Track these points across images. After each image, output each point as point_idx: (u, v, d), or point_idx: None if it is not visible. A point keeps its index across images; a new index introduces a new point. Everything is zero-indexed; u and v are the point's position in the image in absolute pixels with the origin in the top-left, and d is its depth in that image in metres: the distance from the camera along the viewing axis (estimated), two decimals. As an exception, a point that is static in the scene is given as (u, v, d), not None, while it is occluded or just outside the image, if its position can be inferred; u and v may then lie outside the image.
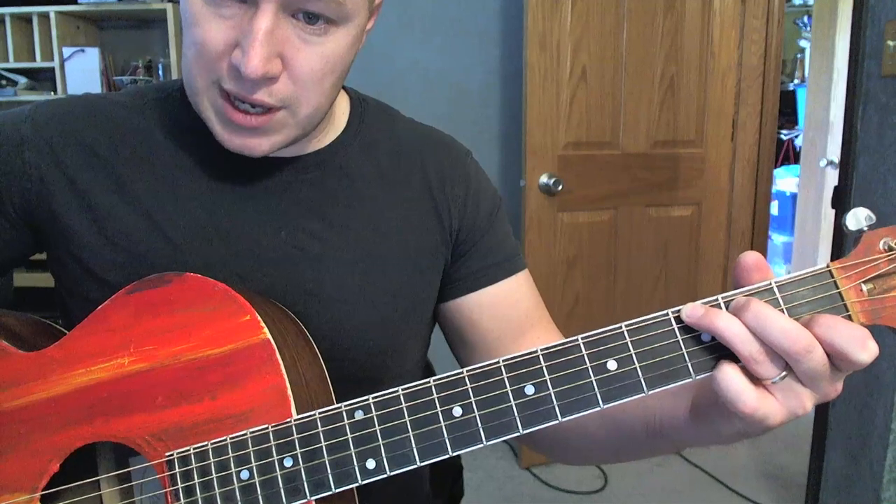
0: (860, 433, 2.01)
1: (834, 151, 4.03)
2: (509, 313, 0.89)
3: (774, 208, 5.10)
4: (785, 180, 5.25)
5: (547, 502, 2.57)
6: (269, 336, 0.66)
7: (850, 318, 0.56)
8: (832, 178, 3.90)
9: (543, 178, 2.55)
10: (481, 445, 0.60)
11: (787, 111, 5.43)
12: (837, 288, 0.56)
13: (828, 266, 0.57)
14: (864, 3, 1.91)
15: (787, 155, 5.61)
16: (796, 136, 5.45)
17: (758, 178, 2.94)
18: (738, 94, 2.84)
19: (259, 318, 0.67)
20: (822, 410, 2.20)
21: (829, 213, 3.85)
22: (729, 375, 0.54)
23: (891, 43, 1.80)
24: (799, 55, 5.40)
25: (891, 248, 0.55)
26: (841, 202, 2.05)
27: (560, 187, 2.54)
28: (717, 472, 2.68)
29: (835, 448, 2.15)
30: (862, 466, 2.00)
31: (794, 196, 5.01)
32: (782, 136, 5.52)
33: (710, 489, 2.61)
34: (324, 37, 0.68)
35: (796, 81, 5.41)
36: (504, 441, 2.89)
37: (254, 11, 0.65)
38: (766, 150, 2.94)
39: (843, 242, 2.08)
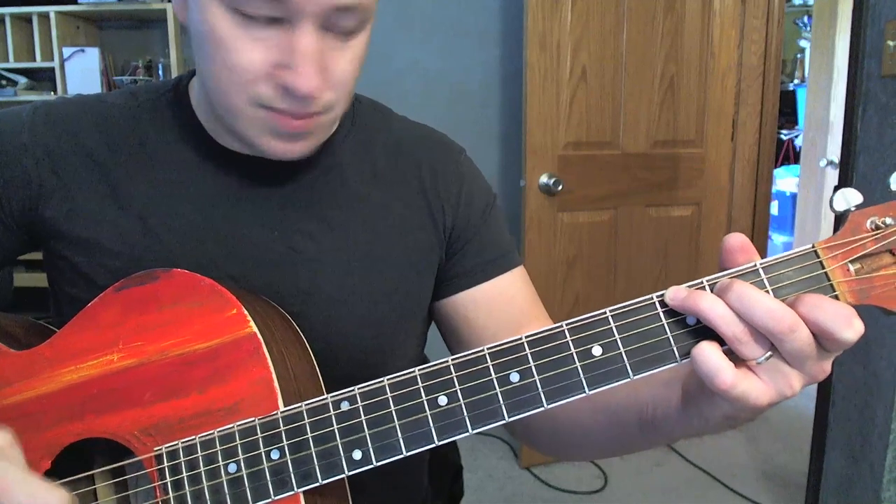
0: (860, 433, 2.01)
1: (834, 151, 4.02)
2: (505, 310, 0.89)
3: (774, 208, 5.10)
4: (785, 180, 5.25)
5: (547, 502, 2.57)
6: (255, 329, 0.66)
7: (837, 298, 0.55)
8: (832, 178, 3.89)
9: (543, 178, 2.55)
10: (467, 434, 0.59)
11: (787, 111, 5.43)
12: (824, 268, 0.55)
13: (813, 246, 0.56)
14: (864, 3, 1.91)
15: (787, 155, 5.61)
16: (796, 136, 5.45)
17: (758, 178, 2.94)
18: (738, 94, 2.84)
19: (245, 311, 0.67)
20: (822, 410, 2.19)
21: (829, 213, 3.84)
22: (705, 352, 0.54)
23: (891, 43, 1.80)
24: (799, 55, 5.40)
25: (878, 227, 0.55)
26: (840, 202, 2.05)
27: (560, 187, 2.54)
28: (716, 472, 2.68)
29: (835, 448, 2.14)
30: (862, 466, 2.00)
31: (794, 196, 5.01)
32: (782, 136, 5.52)
33: (709, 489, 2.60)
34: (352, 41, 0.70)
35: (796, 81, 5.41)
36: (504, 441, 2.89)
37: (292, 31, 0.65)
38: (766, 150, 2.94)
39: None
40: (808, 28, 4.92)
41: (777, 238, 5.29)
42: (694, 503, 2.54)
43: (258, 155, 0.77)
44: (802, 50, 5.31)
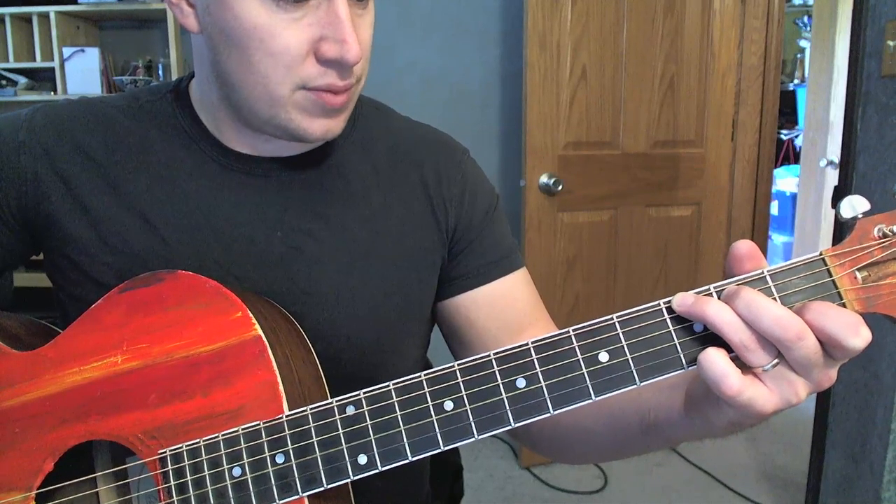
0: (860, 433, 2.01)
1: (834, 151, 4.02)
2: (506, 312, 0.89)
3: (774, 208, 5.10)
4: (785, 180, 5.24)
5: (547, 502, 2.57)
6: (260, 332, 0.66)
7: (844, 305, 0.55)
8: (832, 178, 3.89)
9: (543, 178, 2.55)
10: (473, 439, 0.59)
11: (787, 111, 5.42)
12: (831, 276, 0.55)
13: (821, 254, 0.56)
14: (864, 3, 1.91)
15: (787, 155, 5.61)
16: (796, 136, 5.45)
17: (758, 178, 2.94)
18: (738, 94, 2.84)
19: (251, 314, 0.67)
20: (822, 410, 2.19)
21: (829, 213, 3.85)
22: (712, 358, 0.54)
23: (891, 43, 1.80)
24: (799, 55, 5.39)
25: (885, 235, 0.54)
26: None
27: (560, 187, 2.54)
28: (717, 472, 2.68)
29: (835, 448, 2.14)
30: (862, 466, 2.00)
31: (794, 196, 5.01)
32: (782, 136, 5.51)
33: (710, 489, 2.60)
34: (367, 8, 0.73)
35: (796, 81, 5.40)
36: (504, 441, 2.89)
37: (327, 3, 0.68)
38: (766, 150, 2.94)
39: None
40: (808, 28, 4.92)
41: (777, 238, 5.28)
42: (694, 503, 2.54)
43: (293, 141, 0.78)
44: (802, 50, 5.30)
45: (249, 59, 0.70)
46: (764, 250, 3.22)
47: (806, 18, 5.14)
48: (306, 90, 0.71)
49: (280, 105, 0.72)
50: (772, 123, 2.92)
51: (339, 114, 0.75)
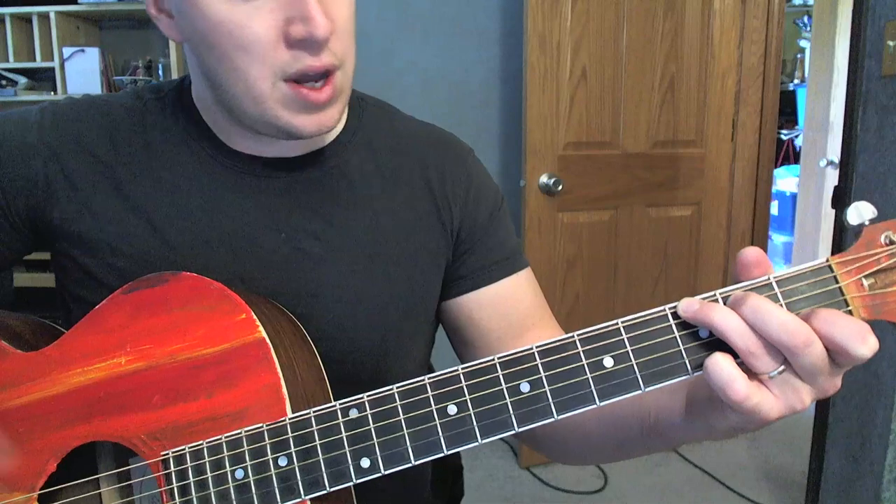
0: (860, 433, 2.01)
1: (834, 151, 4.02)
2: (510, 312, 0.89)
3: (774, 208, 5.09)
4: (785, 180, 5.24)
5: (547, 502, 2.57)
6: (264, 335, 0.66)
7: (850, 312, 0.55)
8: (832, 178, 3.89)
9: (543, 178, 2.55)
10: (476, 444, 0.59)
11: (787, 111, 5.41)
12: (838, 283, 0.55)
13: (827, 261, 0.56)
14: (864, 3, 1.91)
15: (787, 155, 5.61)
16: (796, 136, 5.44)
17: (758, 178, 2.94)
18: (738, 94, 2.84)
19: (255, 316, 0.67)
20: (822, 410, 2.19)
21: (829, 213, 3.85)
22: (719, 363, 0.54)
23: (891, 43, 1.80)
24: (799, 55, 5.39)
25: (892, 242, 0.54)
26: (841, 202, 2.05)
27: (560, 187, 2.54)
28: (717, 472, 2.68)
29: (835, 448, 2.15)
30: (862, 466, 2.00)
31: (794, 196, 5.01)
32: (782, 136, 5.51)
33: (709, 489, 2.61)
34: None
35: (796, 81, 5.40)
36: (504, 441, 2.90)
37: None
38: (766, 150, 2.94)
39: (843, 242, 2.08)
40: (808, 28, 4.91)
41: (777, 238, 5.28)
42: (694, 503, 2.54)
43: (288, 139, 0.77)
44: (802, 50, 5.29)
45: (225, 55, 0.69)
46: (764, 250, 3.21)
47: (806, 18, 5.13)
48: (286, 82, 0.70)
49: (263, 101, 0.71)
50: (772, 123, 2.91)
51: (326, 108, 0.73)
